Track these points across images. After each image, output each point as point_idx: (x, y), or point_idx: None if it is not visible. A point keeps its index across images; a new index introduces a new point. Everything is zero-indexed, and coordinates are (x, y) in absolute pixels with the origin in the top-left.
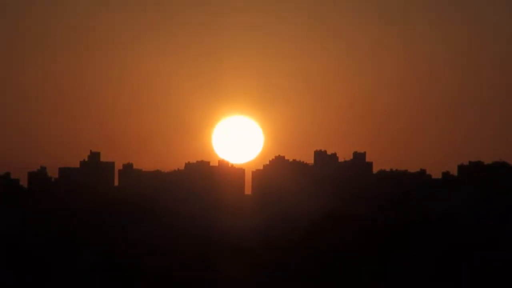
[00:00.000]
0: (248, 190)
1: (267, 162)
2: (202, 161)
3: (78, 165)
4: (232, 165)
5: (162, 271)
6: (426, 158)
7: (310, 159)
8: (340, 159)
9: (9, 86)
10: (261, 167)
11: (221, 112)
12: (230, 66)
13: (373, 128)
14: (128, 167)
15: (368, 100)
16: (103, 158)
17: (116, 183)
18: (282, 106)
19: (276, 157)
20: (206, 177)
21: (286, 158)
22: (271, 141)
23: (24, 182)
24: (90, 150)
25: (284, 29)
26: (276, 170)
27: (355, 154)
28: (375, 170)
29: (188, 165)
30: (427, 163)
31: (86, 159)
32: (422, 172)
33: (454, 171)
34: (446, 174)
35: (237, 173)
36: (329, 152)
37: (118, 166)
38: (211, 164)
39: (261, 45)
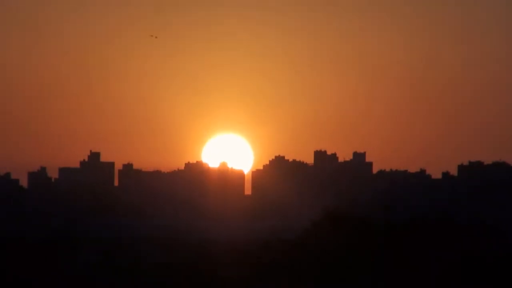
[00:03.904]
0: (248, 191)
1: (267, 162)
2: (202, 161)
3: (78, 165)
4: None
5: (162, 270)
6: (426, 158)
7: (310, 159)
8: (340, 159)
9: (9, 86)
10: (261, 167)
11: (213, 126)
12: (226, 67)
13: (373, 128)
14: (128, 167)
15: (368, 100)
16: (103, 158)
17: (116, 183)
18: (282, 107)
19: (276, 157)
20: (206, 177)
21: (286, 158)
22: (264, 150)
23: (24, 182)
24: (90, 150)
25: (282, 27)
26: (276, 170)
27: (355, 154)
28: (375, 170)
29: (188, 165)
30: (427, 163)
31: (86, 159)
32: (422, 172)
33: (454, 171)
34: (446, 174)
35: (237, 173)
36: (329, 152)
37: (118, 166)
38: (210, 164)
39: (260, 44)
